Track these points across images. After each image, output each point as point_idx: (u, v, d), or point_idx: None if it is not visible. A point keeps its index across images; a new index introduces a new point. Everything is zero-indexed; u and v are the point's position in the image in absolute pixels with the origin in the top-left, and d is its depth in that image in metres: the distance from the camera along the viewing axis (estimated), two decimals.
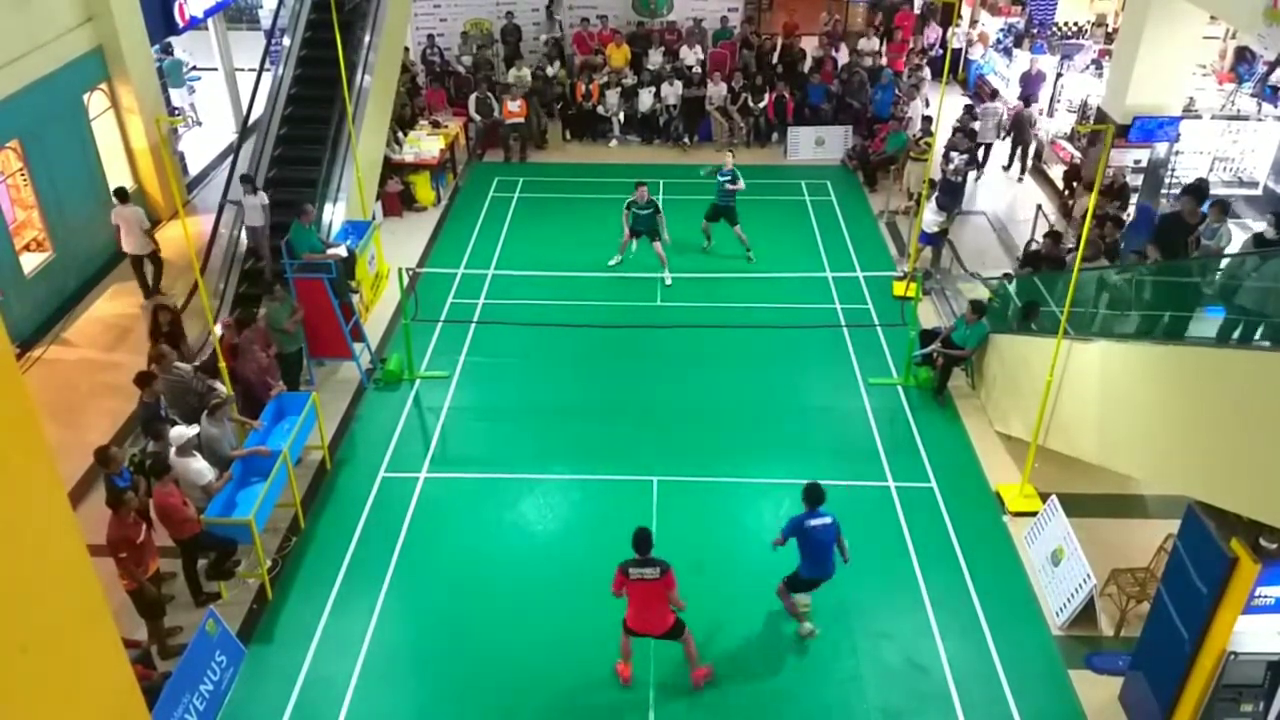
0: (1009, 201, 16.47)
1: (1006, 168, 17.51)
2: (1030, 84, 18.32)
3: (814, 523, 7.91)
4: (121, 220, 12.77)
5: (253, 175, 12.81)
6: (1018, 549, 9.41)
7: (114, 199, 12.91)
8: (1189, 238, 10.46)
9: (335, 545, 9.45)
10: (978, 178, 15.09)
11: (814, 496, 7.94)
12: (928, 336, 11.87)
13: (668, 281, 13.82)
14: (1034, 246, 13.25)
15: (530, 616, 8.71)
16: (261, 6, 22.43)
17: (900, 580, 9.05)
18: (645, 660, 8.22)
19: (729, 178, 14.23)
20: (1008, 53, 20.58)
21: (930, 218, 13.71)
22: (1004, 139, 17.46)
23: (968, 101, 18.51)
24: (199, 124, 18.69)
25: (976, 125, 16.72)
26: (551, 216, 16.04)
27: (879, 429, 11.09)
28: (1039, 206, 14.69)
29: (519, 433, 11.10)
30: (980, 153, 17.07)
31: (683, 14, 20.34)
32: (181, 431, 8.51)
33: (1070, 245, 12.33)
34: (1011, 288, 12.01)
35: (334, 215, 13.34)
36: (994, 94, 17.64)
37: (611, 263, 14.13)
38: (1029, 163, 17.29)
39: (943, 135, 15.25)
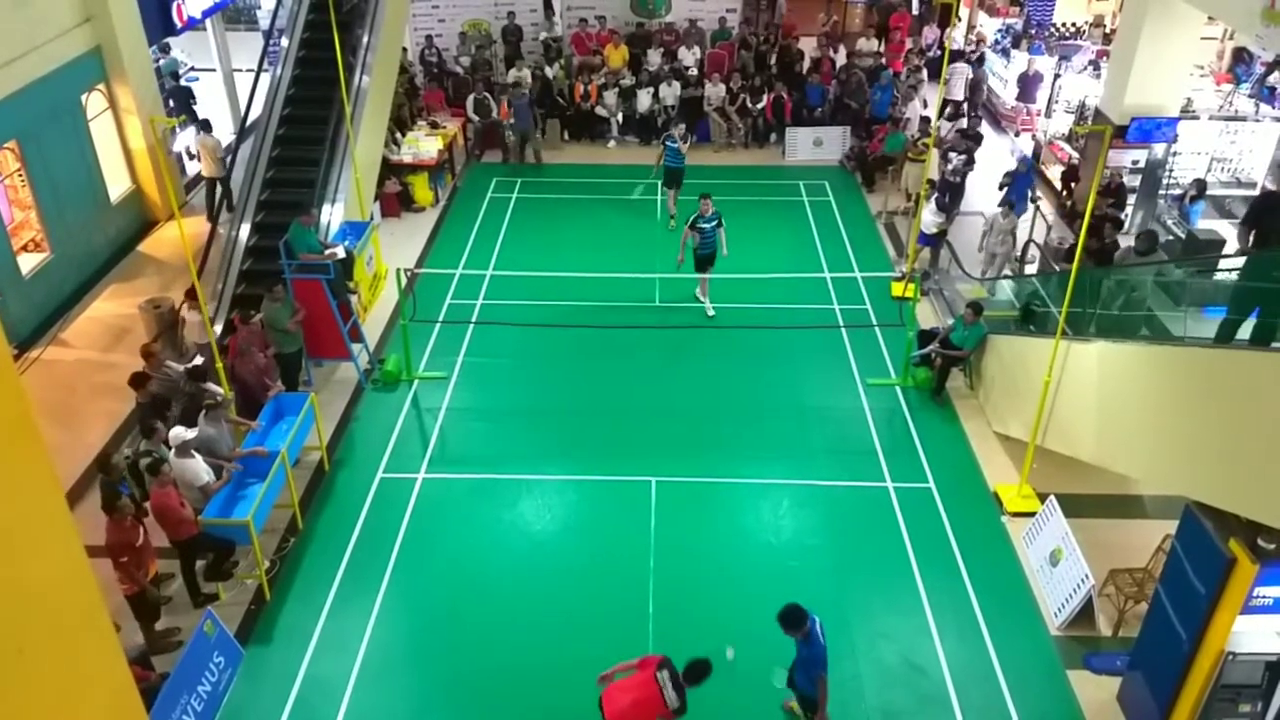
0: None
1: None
2: (1028, 85, 18.36)
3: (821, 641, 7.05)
4: (204, 148, 14.94)
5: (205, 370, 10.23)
6: (1016, 549, 9.41)
7: (199, 130, 15.25)
8: None
9: (333, 546, 9.45)
10: (969, 164, 15.21)
11: (799, 619, 6.95)
12: (926, 337, 11.87)
13: (710, 312, 13.24)
14: (1070, 242, 13.03)
15: (528, 616, 8.70)
16: (259, 7, 22.41)
17: (898, 581, 9.05)
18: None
19: (678, 144, 15.27)
20: (1005, 54, 20.60)
21: (929, 218, 13.71)
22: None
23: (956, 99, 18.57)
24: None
25: (980, 127, 16.80)
26: (550, 217, 16.04)
27: (877, 429, 11.09)
28: (1037, 206, 14.69)
29: (517, 433, 11.10)
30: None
31: (681, 15, 20.34)
32: (180, 432, 8.50)
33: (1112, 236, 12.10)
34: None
35: (332, 216, 13.31)
36: (957, 55, 18.48)
37: (710, 312, 13.24)
38: (979, 116, 18.71)
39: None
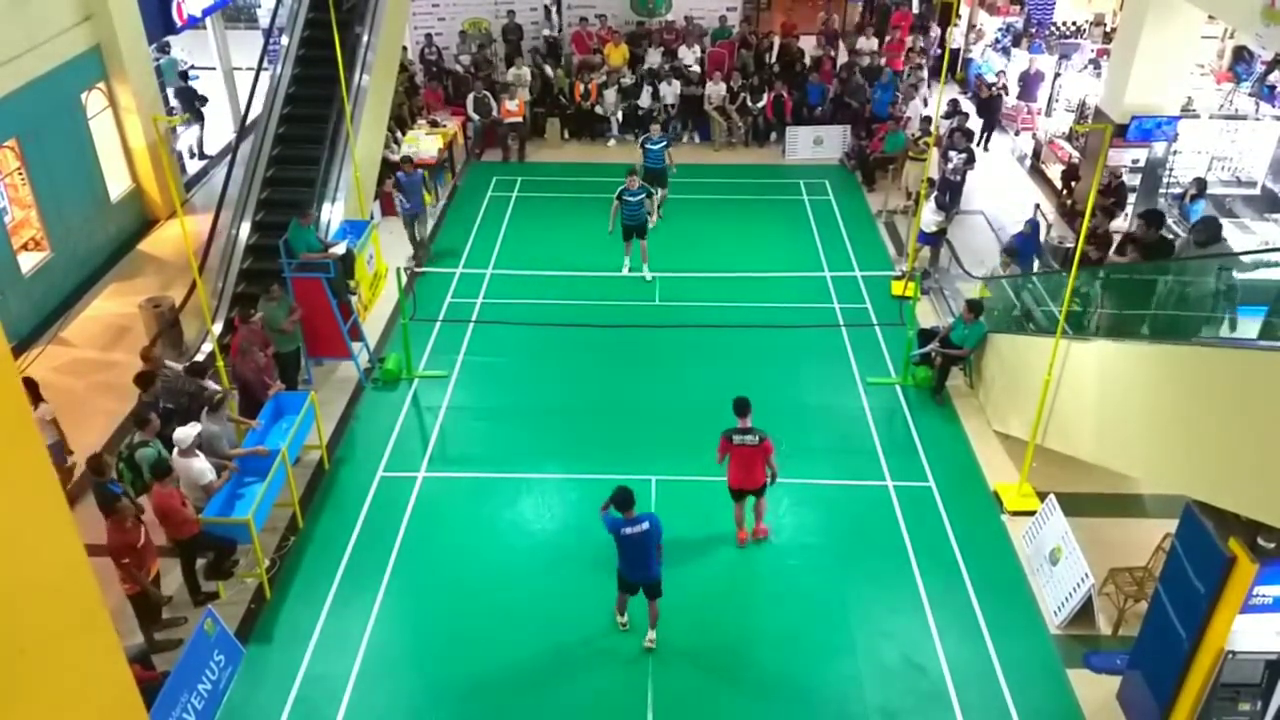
0: (1007, 201, 16.44)
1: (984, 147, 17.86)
2: (1028, 84, 18.35)
3: (629, 531, 7.81)
4: None
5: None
6: (1016, 548, 9.41)
7: None
8: None
9: (334, 545, 9.45)
10: (970, 162, 15.16)
11: (625, 501, 7.77)
12: (926, 336, 11.87)
13: (648, 277, 13.72)
14: (1131, 228, 12.49)
15: (528, 615, 8.71)
16: (259, 5, 22.40)
17: (898, 580, 9.05)
18: (643, 663, 8.23)
19: (663, 143, 15.10)
20: (1006, 52, 20.59)
21: (929, 217, 13.70)
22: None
23: (952, 96, 18.47)
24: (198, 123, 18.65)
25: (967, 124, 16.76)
26: (550, 216, 16.04)
27: (877, 428, 11.09)
28: (1037, 205, 14.69)
29: (517, 432, 11.10)
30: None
31: (681, 14, 20.33)
32: (186, 433, 8.49)
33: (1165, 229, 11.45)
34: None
35: (332, 214, 13.33)
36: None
37: (625, 271, 13.78)
38: (992, 137, 18.37)
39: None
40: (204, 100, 17.84)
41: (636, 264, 13.85)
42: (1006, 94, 18.56)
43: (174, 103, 17.69)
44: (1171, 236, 13.69)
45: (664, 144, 15.08)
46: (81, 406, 11.06)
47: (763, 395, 11.53)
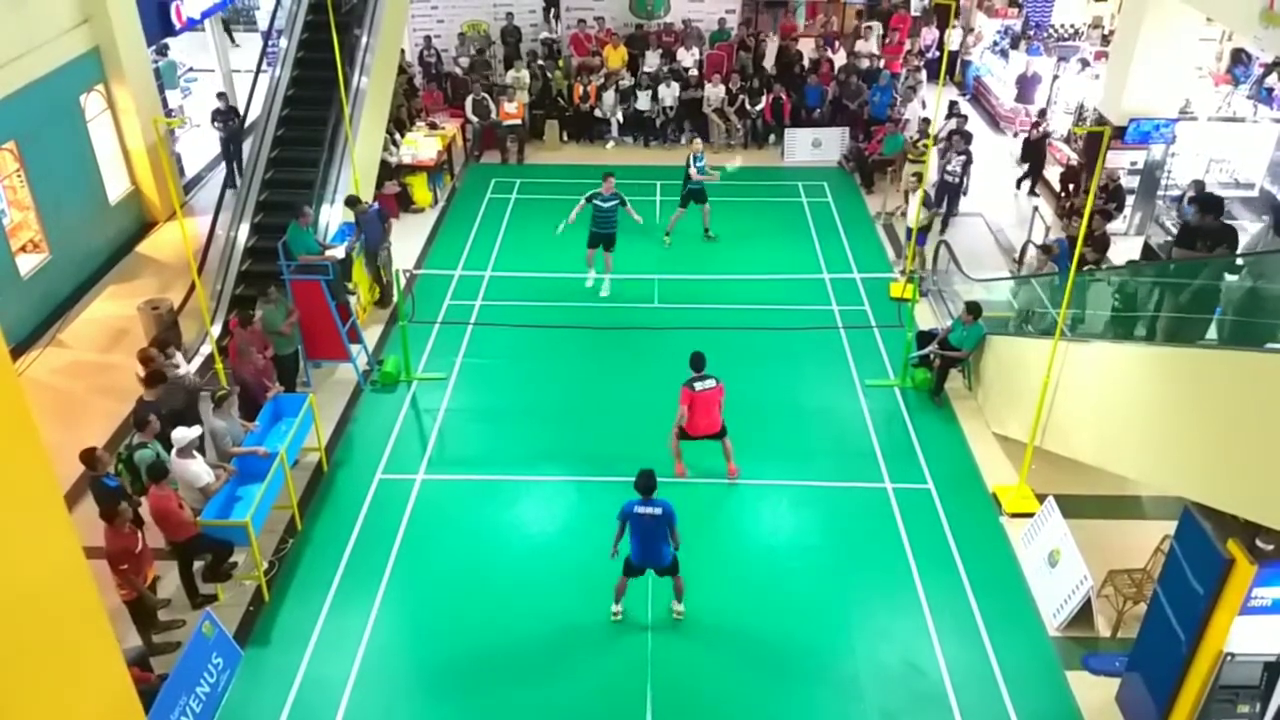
0: (1005, 203, 16.47)
1: (1020, 182, 17.24)
2: (1026, 86, 18.37)
3: (641, 511, 8.06)
4: None
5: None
6: (1014, 550, 9.41)
7: None
8: None
9: (332, 547, 9.44)
10: (967, 164, 15.04)
11: (646, 485, 8.06)
12: (925, 338, 11.87)
13: (604, 291, 13.42)
14: (1186, 216, 11.61)
15: (527, 618, 8.70)
16: (258, 8, 22.42)
17: (897, 582, 9.05)
18: (643, 663, 8.23)
19: (704, 161, 14.81)
20: (1004, 55, 20.62)
21: (913, 212, 13.65)
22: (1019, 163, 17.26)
23: (951, 98, 18.39)
24: (197, 125, 18.65)
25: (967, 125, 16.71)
26: (549, 218, 15.94)
27: (876, 431, 11.09)
28: (1035, 208, 14.71)
29: (516, 434, 11.09)
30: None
31: (679, 16, 20.35)
32: (184, 434, 8.48)
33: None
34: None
35: (331, 216, 13.32)
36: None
37: (589, 281, 13.49)
38: (966, 115, 17.22)
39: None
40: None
41: (645, 263, 13.67)
42: (1050, 136, 16.89)
43: (206, 121, 17.58)
44: (1169, 238, 13.69)
45: (703, 160, 14.76)
46: (81, 408, 11.06)
47: (762, 397, 11.62)
